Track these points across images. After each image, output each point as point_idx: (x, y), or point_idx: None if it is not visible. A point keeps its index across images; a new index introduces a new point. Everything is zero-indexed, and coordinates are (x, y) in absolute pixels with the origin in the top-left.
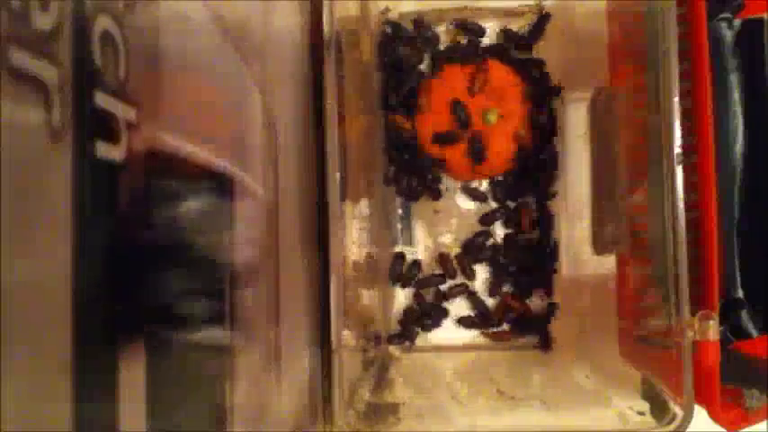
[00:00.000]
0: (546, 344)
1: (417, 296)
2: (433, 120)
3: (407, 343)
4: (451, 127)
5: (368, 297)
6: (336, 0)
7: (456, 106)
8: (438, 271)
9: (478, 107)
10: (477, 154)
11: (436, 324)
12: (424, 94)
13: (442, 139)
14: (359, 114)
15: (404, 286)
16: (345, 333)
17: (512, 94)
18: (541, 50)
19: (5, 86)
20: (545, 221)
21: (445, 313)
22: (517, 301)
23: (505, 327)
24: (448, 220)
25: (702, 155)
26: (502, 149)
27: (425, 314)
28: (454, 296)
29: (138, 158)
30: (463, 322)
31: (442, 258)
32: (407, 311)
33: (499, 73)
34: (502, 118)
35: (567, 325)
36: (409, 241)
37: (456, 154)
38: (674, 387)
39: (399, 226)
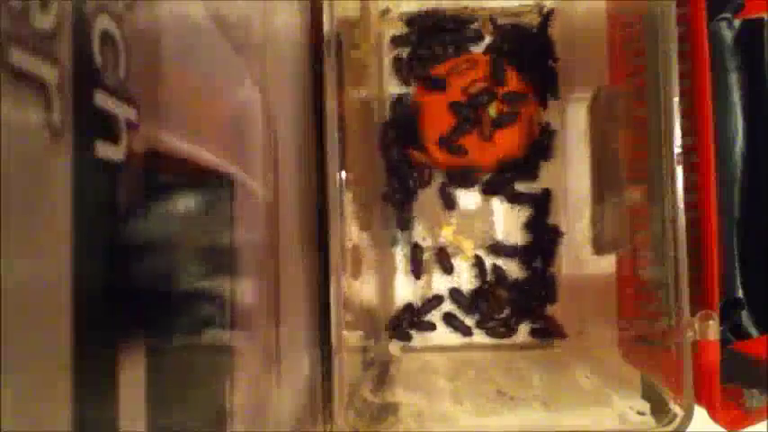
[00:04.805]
0: (551, 333)
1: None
2: (437, 129)
3: (406, 336)
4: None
5: (368, 296)
6: (336, 0)
7: (456, 107)
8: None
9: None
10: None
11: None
12: (422, 106)
13: (450, 147)
14: (359, 115)
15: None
16: (345, 333)
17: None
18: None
19: (5, 86)
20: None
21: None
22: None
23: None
24: (448, 219)
25: (702, 155)
26: (509, 138)
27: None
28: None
29: (138, 158)
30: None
31: (440, 253)
32: (405, 310)
33: (487, 66)
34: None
35: (568, 325)
36: (409, 240)
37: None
38: (674, 387)
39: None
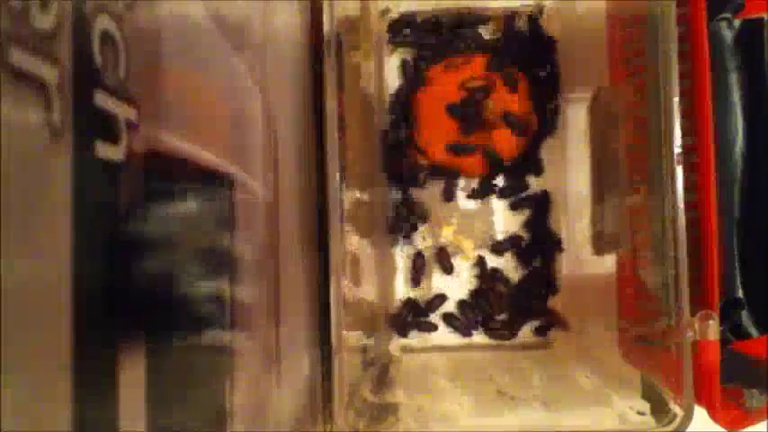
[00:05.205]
0: (555, 325)
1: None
2: (434, 129)
3: (405, 332)
4: (454, 130)
5: (368, 296)
6: (336, 0)
7: (454, 109)
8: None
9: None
10: (493, 158)
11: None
12: (417, 106)
13: (460, 150)
14: (359, 115)
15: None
16: (345, 333)
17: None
18: None
19: (5, 86)
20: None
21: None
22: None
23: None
24: (449, 219)
25: (702, 155)
26: (507, 137)
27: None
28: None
29: (138, 158)
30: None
31: (440, 253)
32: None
33: (485, 64)
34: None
35: (568, 324)
36: (409, 240)
37: (469, 158)
38: (674, 387)
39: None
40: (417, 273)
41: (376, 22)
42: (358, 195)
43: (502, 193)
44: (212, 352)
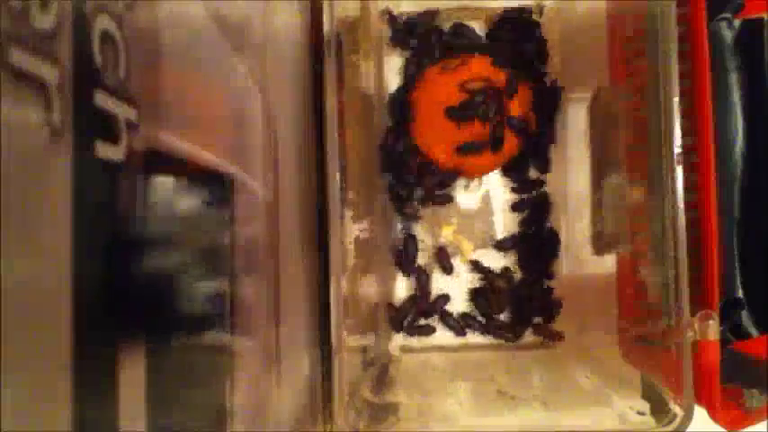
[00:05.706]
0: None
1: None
2: (433, 129)
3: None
4: (452, 131)
5: (368, 295)
6: (336, 0)
7: (453, 111)
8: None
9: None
10: (498, 143)
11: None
12: (415, 107)
13: (468, 149)
14: (359, 115)
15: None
16: (346, 333)
17: (501, 81)
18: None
19: (5, 86)
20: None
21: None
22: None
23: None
24: (449, 218)
25: (702, 155)
26: (507, 138)
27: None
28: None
29: (138, 158)
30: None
31: (440, 252)
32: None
33: (482, 64)
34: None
35: (568, 325)
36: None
37: (473, 159)
38: (674, 387)
39: (399, 225)
40: (423, 289)
41: (376, 22)
42: (358, 195)
43: (515, 190)
44: (212, 352)
